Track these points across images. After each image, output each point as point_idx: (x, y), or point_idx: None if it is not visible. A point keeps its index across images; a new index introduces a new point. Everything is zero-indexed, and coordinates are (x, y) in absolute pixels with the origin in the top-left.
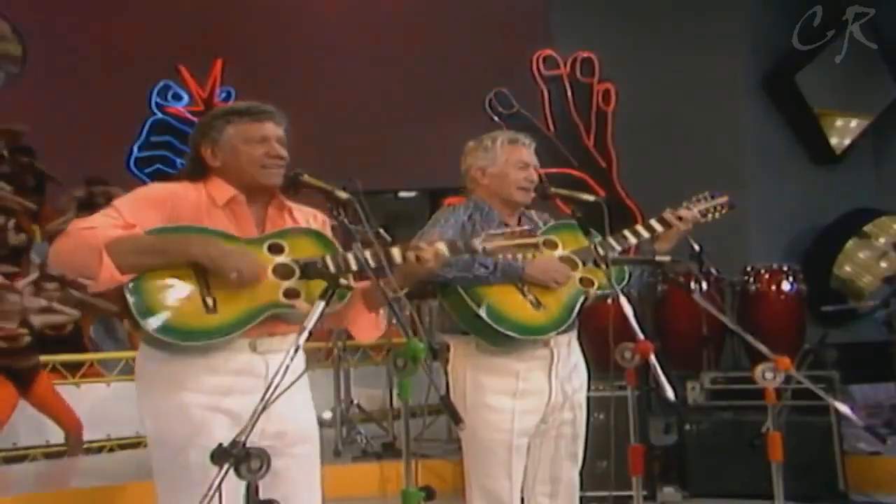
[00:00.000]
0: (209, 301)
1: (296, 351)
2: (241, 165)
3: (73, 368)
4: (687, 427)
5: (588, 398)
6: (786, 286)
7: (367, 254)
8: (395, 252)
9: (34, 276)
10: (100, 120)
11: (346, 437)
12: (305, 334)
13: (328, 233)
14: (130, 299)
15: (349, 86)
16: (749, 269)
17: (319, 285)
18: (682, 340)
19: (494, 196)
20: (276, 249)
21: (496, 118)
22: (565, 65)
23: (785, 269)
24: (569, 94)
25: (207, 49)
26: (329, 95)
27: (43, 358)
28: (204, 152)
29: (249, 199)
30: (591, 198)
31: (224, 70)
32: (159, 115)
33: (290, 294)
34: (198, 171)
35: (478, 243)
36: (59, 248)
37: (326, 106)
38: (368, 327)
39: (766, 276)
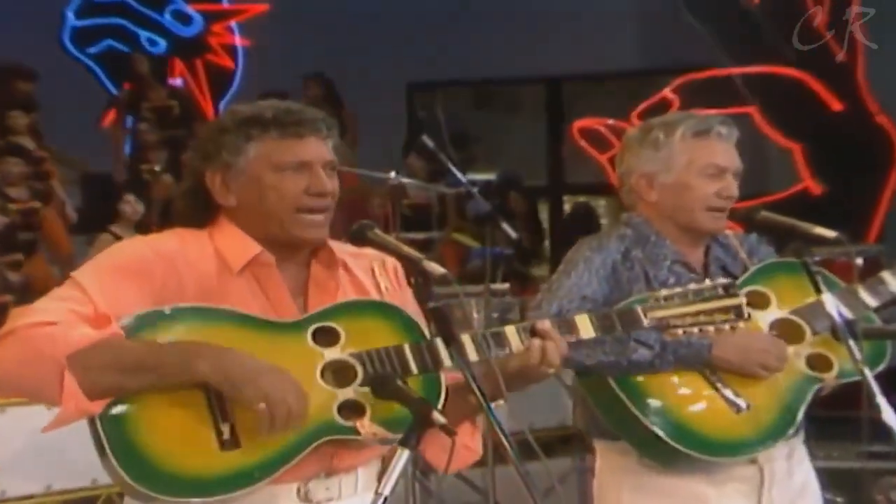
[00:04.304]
0: (224, 429)
1: None
2: (268, 207)
3: None
4: None
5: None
6: None
7: (468, 340)
8: (510, 333)
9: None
10: None
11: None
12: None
13: (406, 296)
14: (102, 432)
15: None
16: None
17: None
18: None
19: (667, 219)
20: (326, 338)
21: None
22: None
23: None
24: None
25: None
26: None
27: None
28: (211, 182)
29: (282, 257)
30: (829, 233)
31: None
32: None
33: (350, 410)
34: (201, 212)
35: (639, 314)
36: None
37: None
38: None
39: None
